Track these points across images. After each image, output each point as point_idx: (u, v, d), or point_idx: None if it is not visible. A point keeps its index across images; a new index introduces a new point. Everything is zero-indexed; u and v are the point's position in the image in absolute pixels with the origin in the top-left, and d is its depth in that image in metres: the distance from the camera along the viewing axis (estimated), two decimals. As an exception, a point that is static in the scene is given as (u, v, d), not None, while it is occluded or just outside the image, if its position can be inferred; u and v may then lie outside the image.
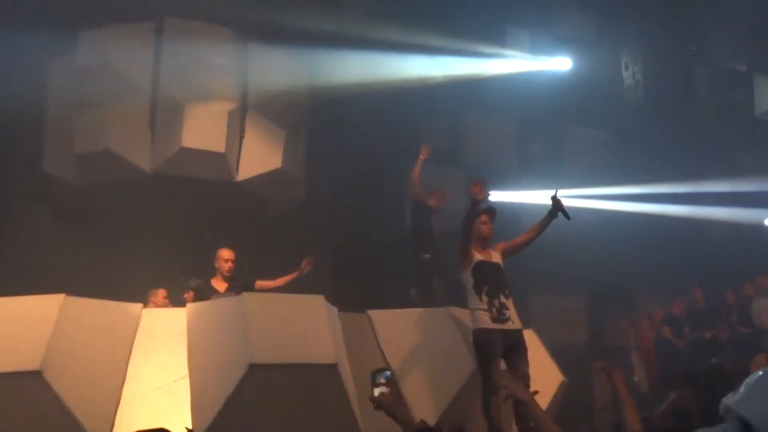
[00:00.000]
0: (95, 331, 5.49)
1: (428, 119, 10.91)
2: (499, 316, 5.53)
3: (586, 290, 11.10)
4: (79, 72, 8.40)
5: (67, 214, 8.75)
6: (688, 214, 10.89)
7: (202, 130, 8.34)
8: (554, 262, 10.31)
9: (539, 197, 10.94)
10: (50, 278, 6.70)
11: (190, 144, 8.26)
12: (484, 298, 5.57)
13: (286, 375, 5.14)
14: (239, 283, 6.82)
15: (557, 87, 11.25)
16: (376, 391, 2.28)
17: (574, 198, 10.37)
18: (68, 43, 8.45)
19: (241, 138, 8.78)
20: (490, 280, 5.63)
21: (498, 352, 5.47)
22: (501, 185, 11.12)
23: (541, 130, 11.69)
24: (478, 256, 5.72)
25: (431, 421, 5.46)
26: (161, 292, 7.30)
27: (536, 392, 2.99)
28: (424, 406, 5.76)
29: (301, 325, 5.47)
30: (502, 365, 5.55)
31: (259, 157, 8.85)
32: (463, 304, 5.98)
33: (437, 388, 5.90)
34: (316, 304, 5.62)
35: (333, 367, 5.22)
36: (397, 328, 6.32)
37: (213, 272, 7.08)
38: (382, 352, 6.16)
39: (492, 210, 5.94)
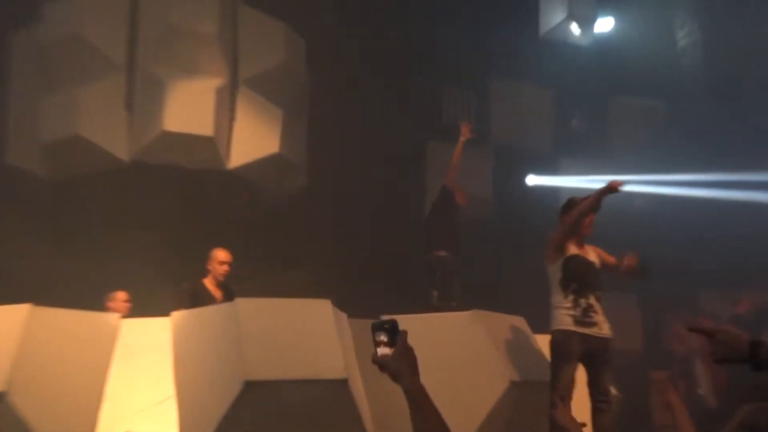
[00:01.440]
0: (68, 345, 5.49)
1: (450, 90, 10.83)
2: (584, 319, 5.59)
3: (640, 287, 10.97)
4: (45, 47, 8.41)
5: (35, 211, 8.79)
6: (757, 200, 10.71)
7: (187, 110, 8.35)
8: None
9: (580, 182, 10.88)
10: (16, 285, 6.73)
11: (173, 127, 8.27)
12: (570, 297, 5.63)
13: (289, 393, 5.11)
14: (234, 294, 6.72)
15: (599, 51, 11.11)
16: (379, 351, 2.12)
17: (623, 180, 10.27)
18: (31, 15, 8.46)
19: (232, 119, 8.78)
20: (581, 278, 5.69)
21: (575, 358, 5.53)
22: (534, 167, 11.05)
23: (581, 101, 11.55)
24: (573, 250, 5.77)
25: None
26: (120, 295, 7.33)
27: (584, 424, 2.95)
28: (450, 425, 5.71)
29: (304, 334, 5.43)
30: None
31: (253, 140, 8.84)
32: (490, 306, 5.94)
33: (467, 405, 5.84)
34: (322, 310, 5.59)
35: (343, 383, 5.19)
36: (416, 336, 6.21)
37: (203, 274, 7.07)
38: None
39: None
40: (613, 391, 6.51)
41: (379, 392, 5.81)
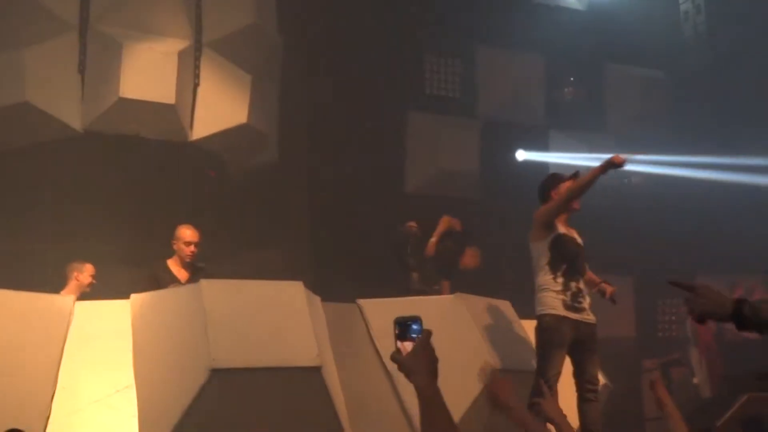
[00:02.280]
0: (16, 330, 5.49)
1: (434, 56, 10.83)
2: (574, 304, 5.66)
3: (634, 271, 11.14)
4: (-13, 4, 8.30)
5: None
6: (758, 183, 10.85)
7: (146, 76, 8.29)
8: (595, 236, 10.31)
9: (573, 159, 10.97)
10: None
11: (131, 94, 8.21)
12: (560, 279, 5.68)
13: (258, 382, 5.16)
14: (204, 272, 6.71)
15: (595, 15, 11.16)
16: (399, 347, 2.22)
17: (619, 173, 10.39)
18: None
19: (196, 85, 8.73)
20: (572, 259, 5.74)
21: (564, 345, 5.61)
22: (524, 141, 11.11)
23: (575, 69, 11.61)
24: (561, 228, 5.81)
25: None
26: (88, 268, 7.31)
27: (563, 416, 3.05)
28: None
29: (275, 319, 5.48)
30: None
31: (219, 109, 8.81)
32: (474, 289, 6.02)
33: (449, 393, 5.88)
34: (294, 293, 5.63)
35: (316, 371, 5.25)
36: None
37: (165, 256, 7.09)
38: (376, 350, 6.20)
39: (578, 174, 5.94)
40: (602, 379, 6.65)
41: (353, 380, 5.89)
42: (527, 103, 11.35)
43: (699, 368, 9.48)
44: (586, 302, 5.76)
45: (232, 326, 5.33)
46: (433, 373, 2.21)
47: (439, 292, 7.11)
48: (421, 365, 2.20)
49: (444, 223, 8.17)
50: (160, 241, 7.48)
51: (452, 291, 6.86)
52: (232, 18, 8.88)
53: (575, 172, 5.94)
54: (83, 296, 7.16)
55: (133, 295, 6.02)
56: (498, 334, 6.32)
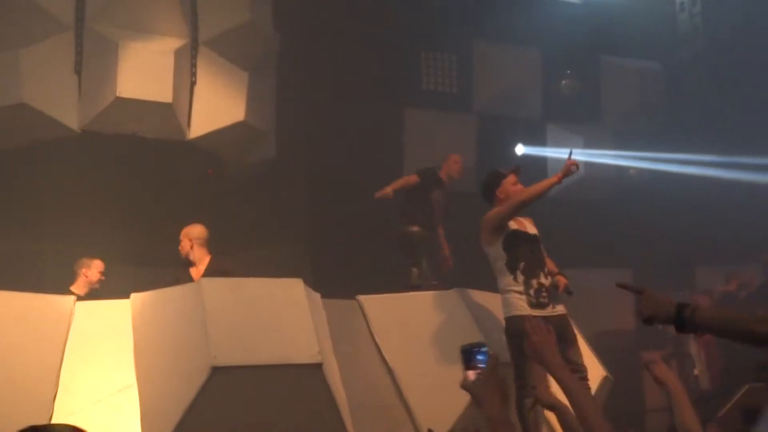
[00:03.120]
0: (17, 331, 5.51)
1: (430, 52, 10.83)
2: (538, 300, 5.63)
3: (633, 263, 11.16)
4: (-18, 5, 8.28)
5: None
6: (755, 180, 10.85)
7: (143, 75, 8.27)
8: (594, 229, 10.36)
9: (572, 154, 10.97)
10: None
11: (128, 93, 8.19)
12: (520, 278, 5.66)
13: (259, 379, 5.18)
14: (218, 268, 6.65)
15: (591, 7, 11.16)
16: (468, 375, 2.25)
17: (616, 157, 10.43)
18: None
19: (193, 84, 8.72)
20: (527, 255, 5.70)
21: None
22: (521, 135, 11.12)
23: (571, 62, 11.60)
24: (512, 225, 5.77)
25: (442, 430, 5.57)
26: (97, 264, 7.32)
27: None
28: (432, 411, 5.85)
29: (275, 316, 5.50)
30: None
31: (217, 107, 8.80)
32: (475, 284, 6.03)
33: (448, 388, 5.93)
34: (294, 290, 5.65)
35: (317, 368, 5.26)
36: (395, 316, 6.38)
37: (164, 255, 7.09)
38: (376, 346, 6.23)
39: (518, 169, 6.00)
40: (603, 371, 6.67)
41: (354, 376, 5.91)
42: (524, 97, 11.35)
43: (698, 360, 9.50)
44: (549, 296, 5.70)
45: (233, 324, 5.34)
46: (505, 399, 2.24)
47: (437, 288, 7.12)
48: (490, 392, 2.23)
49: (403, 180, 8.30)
50: (159, 239, 7.50)
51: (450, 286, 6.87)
52: (228, 16, 8.87)
53: (516, 167, 5.95)
54: (92, 293, 7.20)
55: (133, 295, 6.04)
56: (496, 327, 6.32)
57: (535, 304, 5.61)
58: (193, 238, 6.82)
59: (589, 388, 5.68)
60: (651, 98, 11.87)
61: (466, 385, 2.28)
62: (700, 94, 11.48)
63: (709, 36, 11.81)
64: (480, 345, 2.33)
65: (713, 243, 10.65)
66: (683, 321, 2.38)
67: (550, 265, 5.93)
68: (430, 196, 8.13)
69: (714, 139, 10.85)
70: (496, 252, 5.73)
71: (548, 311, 5.63)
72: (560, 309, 5.75)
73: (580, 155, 10.57)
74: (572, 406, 2.55)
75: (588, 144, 11.21)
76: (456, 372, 6.05)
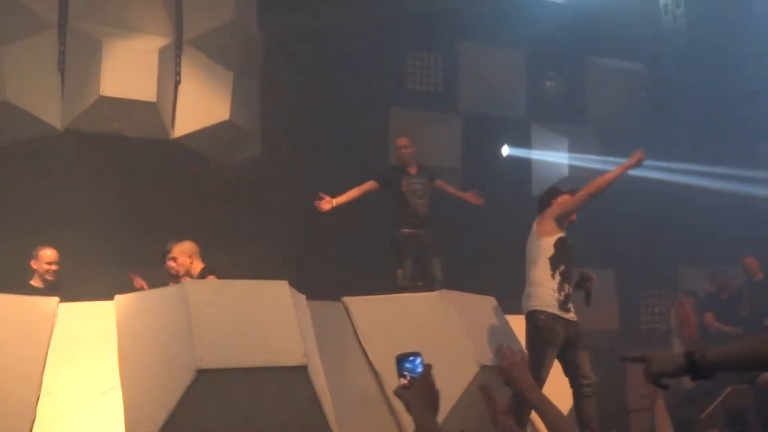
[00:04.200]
0: (-1, 333, 5.46)
1: (416, 51, 10.84)
2: (565, 304, 5.85)
3: (616, 263, 11.22)
4: (-37, 2, 8.21)
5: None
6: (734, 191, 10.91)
7: (126, 73, 8.23)
8: (577, 229, 10.36)
9: (555, 151, 11.01)
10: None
11: (112, 92, 8.16)
12: (557, 278, 5.83)
13: (244, 381, 5.15)
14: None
15: (575, 8, 11.19)
16: (401, 382, 2.35)
17: (600, 162, 10.45)
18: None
19: (177, 83, 8.69)
20: (568, 260, 5.92)
21: (558, 345, 5.75)
22: (506, 135, 11.14)
23: (556, 62, 11.64)
24: (561, 232, 5.99)
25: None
26: (44, 255, 7.04)
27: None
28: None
29: (260, 318, 5.47)
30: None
31: (201, 106, 8.78)
32: (459, 286, 6.06)
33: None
34: (279, 292, 5.62)
35: (302, 370, 5.24)
36: (381, 318, 6.36)
37: (149, 257, 7.04)
38: (362, 348, 6.22)
39: (574, 191, 6.17)
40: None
41: (339, 378, 5.90)
42: (509, 97, 11.38)
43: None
44: (571, 305, 5.96)
45: (218, 326, 5.31)
46: (433, 406, 2.34)
47: (423, 289, 7.12)
48: (421, 399, 2.33)
49: None
50: (142, 239, 7.46)
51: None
52: (213, 15, 8.84)
53: (572, 189, 6.16)
54: (54, 285, 7.03)
55: (117, 296, 5.99)
56: (483, 329, 6.35)
57: (562, 307, 5.81)
58: (192, 254, 6.77)
59: (594, 395, 5.76)
60: (635, 99, 11.94)
61: (399, 393, 2.38)
62: (682, 95, 11.54)
63: (691, 37, 11.87)
64: (412, 354, 2.43)
65: (694, 242, 10.71)
66: (696, 367, 2.32)
67: None
68: (400, 189, 7.95)
69: (697, 143, 10.92)
70: (547, 244, 5.90)
71: (571, 316, 5.86)
72: (576, 316, 5.95)
73: (566, 159, 10.65)
74: (546, 427, 2.62)
75: (572, 144, 11.26)
76: (440, 374, 6.08)
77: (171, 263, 6.68)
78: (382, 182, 7.99)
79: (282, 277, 5.78)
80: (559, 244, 5.90)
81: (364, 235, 8.67)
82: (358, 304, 6.47)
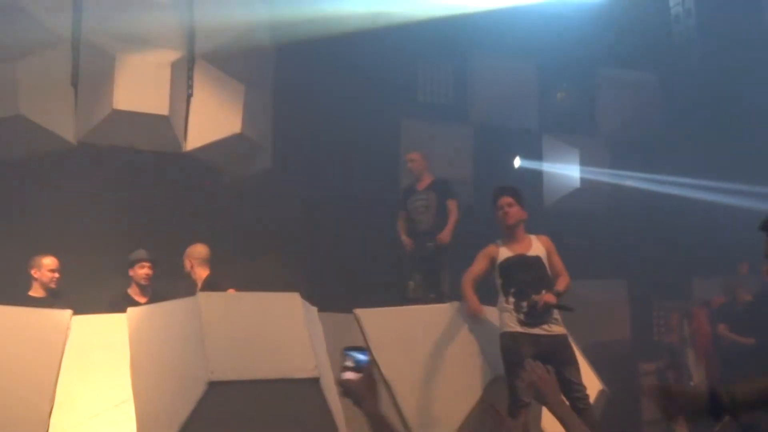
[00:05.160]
0: (13, 346, 5.48)
1: (427, 63, 10.86)
2: (528, 320, 5.77)
3: (629, 274, 11.17)
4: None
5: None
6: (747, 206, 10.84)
7: (139, 87, 8.29)
8: (590, 241, 10.36)
9: (566, 162, 10.99)
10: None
11: (124, 106, 8.21)
12: (511, 300, 5.86)
13: (256, 394, 5.16)
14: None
15: (587, 19, 11.19)
16: (346, 375, 2.43)
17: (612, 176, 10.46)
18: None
19: (189, 96, 8.73)
20: (520, 279, 5.87)
21: (523, 361, 5.58)
22: (517, 146, 11.14)
23: (567, 74, 11.64)
24: (504, 253, 5.97)
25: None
26: (46, 264, 7.08)
27: None
28: (429, 424, 5.84)
29: (272, 330, 5.48)
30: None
31: (213, 119, 8.82)
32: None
33: (446, 402, 5.97)
34: (291, 304, 5.63)
35: (314, 382, 5.25)
36: (393, 330, 6.36)
37: (162, 267, 7.08)
38: (373, 360, 6.21)
39: (512, 190, 6.11)
40: (599, 384, 6.67)
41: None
42: (520, 108, 11.38)
43: (696, 371, 9.52)
44: (549, 315, 5.81)
45: (230, 338, 5.32)
46: (378, 398, 2.48)
47: (435, 301, 7.12)
48: (368, 392, 2.46)
49: None
50: (156, 252, 7.49)
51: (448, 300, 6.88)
52: (225, 29, 8.88)
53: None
54: (55, 294, 7.07)
55: (129, 308, 6.03)
56: (495, 341, 6.32)
57: (525, 323, 5.76)
58: (192, 258, 7.04)
59: (588, 407, 5.71)
60: (646, 110, 11.91)
61: (346, 385, 2.49)
62: (695, 106, 11.51)
63: (704, 48, 11.85)
64: (357, 348, 2.54)
65: (708, 253, 10.65)
66: (721, 410, 2.23)
67: (561, 283, 5.97)
68: (407, 207, 8.18)
69: (709, 155, 10.88)
70: (496, 275, 6.01)
71: (542, 329, 5.77)
72: (556, 329, 5.84)
73: (576, 170, 10.63)
74: None
75: (584, 155, 11.25)
76: (453, 386, 6.08)
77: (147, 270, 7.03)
78: (403, 205, 8.20)
79: (294, 289, 5.79)
80: (502, 271, 5.96)
81: (376, 247, 8.68)
82: (369, 316, 6.48)
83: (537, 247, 6.02)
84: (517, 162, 11.00)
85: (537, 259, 5.96)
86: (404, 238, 8.09)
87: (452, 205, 8.08)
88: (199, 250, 7.07)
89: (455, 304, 6.52)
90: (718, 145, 11.04)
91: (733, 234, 10.32)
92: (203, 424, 5.04)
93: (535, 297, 5.80)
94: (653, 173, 11.03)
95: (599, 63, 11.85)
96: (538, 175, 10.91)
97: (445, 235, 7.86)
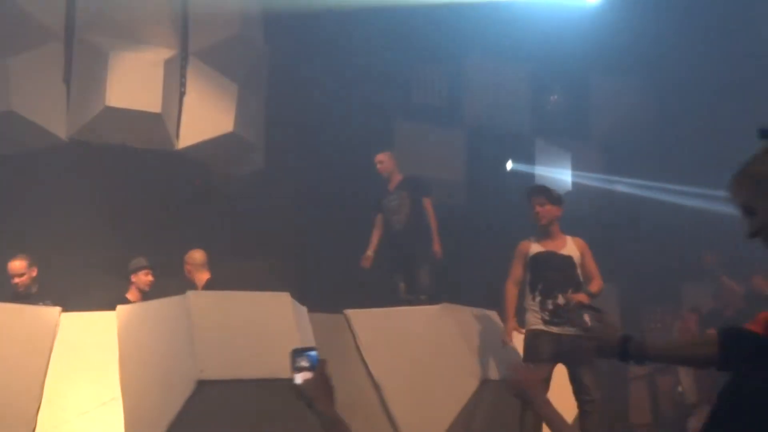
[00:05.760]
0: (1, 342, 5.47)
1: (420, 66, 10.88)
2: (552, 319, 5.81)
3: (619, 278, 11.19)
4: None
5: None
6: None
7: (132, 84, 8.28)
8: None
9: (558, 166, 11.02)
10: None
11: (117, 103, 8.20)
12: (537, 299, 5.90)
13: (244, 393, 5.17)
14: None
15: (581, 24, 11.22)
16: (298, 377, 2.35)
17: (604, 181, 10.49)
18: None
19: (182, 94, 8.73)
20: (547, 277, 5.90)
21: (542, 359, 5.71)
22: (510, 149, 11.17)
23: (561, 78, 11.69)
24: (535, 248, 5.99)
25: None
26: (13, 268, 7.01)
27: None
28: (418, 425, 5.85)
29: (261, 330, 5.49)
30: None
31: (206, 118, 8.81)
32: (461, 299, 6.10)
33: (435, 404, 5.97)
34: (281, 304, 5.64)
35: (303, 382, 5.24)
36: (383, 331, 6.38)
37: (151, 265, 7.08)
38: (363, 361, 6.23)
39: (543, 190, 6.14)
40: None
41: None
42: (513, 111, 11.42)
43: (684, 376, 9.54)
44: (580, 319, 5.75)
45: (219, 337, 5.33)
46: (332, 398, 2.38)
47: (425, 303, 7.14)
48: (321, 393, 2.36)
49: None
50: (145, 250, 7.48)
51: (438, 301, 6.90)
52: (219, 27, 8.89)
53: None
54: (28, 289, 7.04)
55: (119, 306, 6.03)
56: (485, 344, 6.35)
57: (549, 322, 5.81)
58: (190, 263, 7.22)
59: (594, 412, 5.73)
60: (639, 115, 11.95)
61: (300, 388, 2.39)
62: (688, 111, 11.54)
63: (697, 52, 11.87)
64: (309, 349, 2.45)
65: (697, 258, 10.67)
66: (628, 355, 2.50)
67: (594, 285, 5.98)
68: (384, 211, 8.22)
69: (701, 160, 10.91)
70: (526, 273, 6.03)
71: (563, 329, 5.75)
72: (572, 330, 5.76)
73: (568, 174, 10.66)
74: None
75: (576, 159, 11.29)
76: (443, 388, 6.08)
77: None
78: (378, 209, 8.27)
79: (284, 289, 5.80)
80: (531, 267, 5.98)
81: (366, 247, 8.68)
82: (359, 317, 6.50)
83: (571, 247, 6.03)
84: (510, 165, 11.03)
85: (568, 259, 5.96)
86: (368, 253, 8.10)
87: (428, 205, 8.03)
88: (196, 256, 7.23)
89: (445, 306, 6.53)
90: (710, 150, 11.07)
91: (724, 240, 10.39)
92: (191, 423, 5.04)
93: (566, 296, 5.83)
94: (645, 179, 11.06)
95: (592, 67, 11.88)
96: (530, 178, 10.93)
97: (436, 246, 7.81)
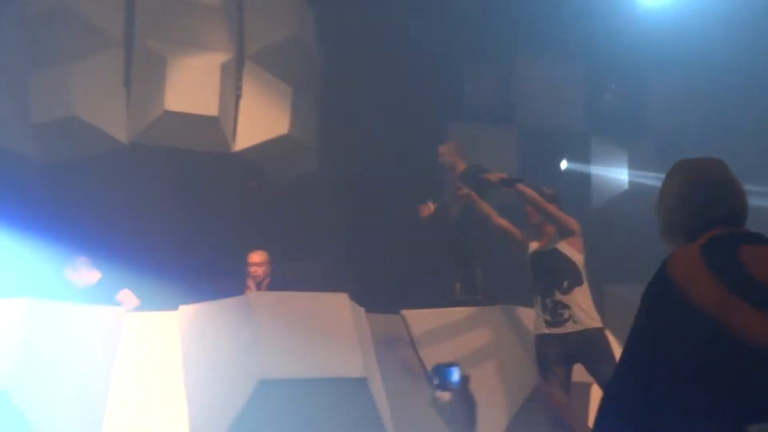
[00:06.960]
0: (70, 341, 5.65)
1: (471, 65, 10.86)
2: (554, 319, 5.70)
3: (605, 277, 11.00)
4: (32, 22, 8.48)
5: (27, 196, 8.89)
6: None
7: (190, 88, 8.41)
8: (631, 244, 10.26)
9: (614, 165, 10.89)
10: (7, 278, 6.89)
11: (176, 107, 8.35)
12: (538, 299, 5.83)
13: (305, 392, 5.27)
14: None
15: (639, 19, 11.10)
16: (437, 394, 2.35)
17: (658, 180, 10.29)
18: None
19: (238, 97, 8.86)
20: (542, 275, 5.85)
21: (553, 362, 5.67)
22: (565, 150, 11.08)
23: (617, 76, 11.55)
24: (532, 247, 5.97)
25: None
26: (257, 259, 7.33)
27: None
28: (478, 428, 5.89)
29: (321, 330, 5.59)
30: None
31: (261, 120, 8.93)
32: (516, 300, 6.12)
33: (494, 405, 6.00)
34: (340, 304, 5.74)
35: (361, 382, 5.34)
36: (439, 332, 6.42)
37: (211, 266, 7.23)
38: (420, 361, 6.28)
39: (537, 189, 6.07)
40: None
41: (397, 390, 5.98)
42: (567, 110, 11.32)
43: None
44: (572, 312, 5.64)
45: (279, 337, 5.45)
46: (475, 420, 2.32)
47: (481, 303, 7.15)
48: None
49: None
50: (204, 251, 7.63)
51: (494, 302, 6.91)
52: (273, 31, 9.00)
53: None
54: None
55: (181, 307, 6.17)
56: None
57: (551, 323, 5.71)
58: (253, 264, 7.34)
59: None
60: (695, 113, 11.75)
61: (440, 407, 2.35)
62: (745, 111, 11.32)
63: (755, 52, 11.64)
64: (448, 366, 2.41)
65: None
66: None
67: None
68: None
69: (761, 160, 10.68)
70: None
71: (566, 328, 5.63)
72: (587, 322, 5.63)
73: (624, 173, 10.52)
74: None
75: (632, 158, 11.15)
76: (497, 390, 6.09)
77: (255, 269, 7.25)
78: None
79: (341, 290, 5.89)
80: (529, 268, 5.97)
81: (423, 248, 8.72)
82: (416, 317, 6.55)
83: (561, 243, 5.86)
84: (564, 164, 10.96)
85: (552, 252, 5.84)
86: (430, 204, 7.80)
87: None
88: (257, 256, 7.32)
89: (502, 307, 6.56)
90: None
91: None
92: (253, 421, 5.17)
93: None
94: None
95: (648, 64, 11.72)
96: (585, 177, 10.86)
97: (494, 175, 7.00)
